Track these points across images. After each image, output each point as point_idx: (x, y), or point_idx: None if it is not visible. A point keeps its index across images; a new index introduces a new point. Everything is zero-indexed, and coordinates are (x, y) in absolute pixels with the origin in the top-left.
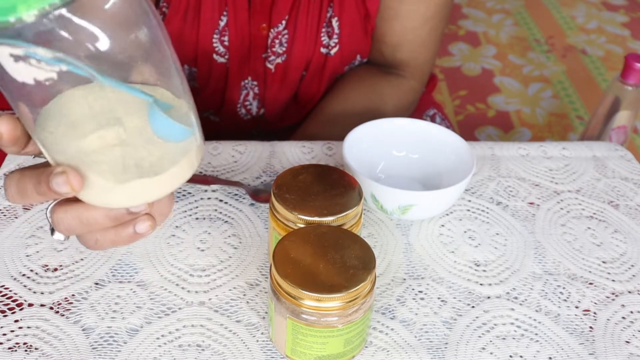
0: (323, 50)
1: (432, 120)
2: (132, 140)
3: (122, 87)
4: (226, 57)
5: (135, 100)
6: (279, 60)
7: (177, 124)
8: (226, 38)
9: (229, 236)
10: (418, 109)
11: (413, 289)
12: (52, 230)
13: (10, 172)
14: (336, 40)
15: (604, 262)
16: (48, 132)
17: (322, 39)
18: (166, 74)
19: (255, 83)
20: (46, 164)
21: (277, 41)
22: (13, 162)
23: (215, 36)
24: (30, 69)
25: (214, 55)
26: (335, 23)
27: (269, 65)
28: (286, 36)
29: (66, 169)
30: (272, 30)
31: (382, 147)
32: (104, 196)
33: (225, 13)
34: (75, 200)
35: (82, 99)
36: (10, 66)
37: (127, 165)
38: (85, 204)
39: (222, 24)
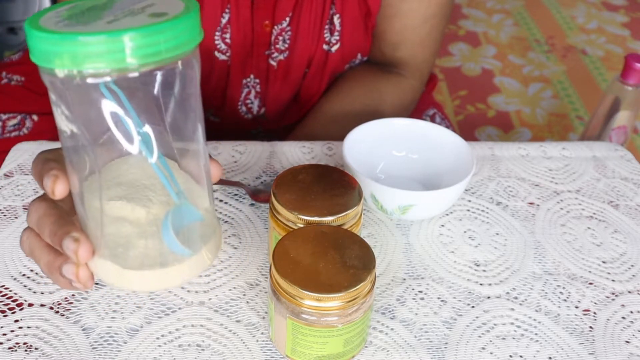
0: (325, 47)
1: (432, 120)
2: (143, 226)
3: (158, 173)
4: (228, 54)
5: (166, 193)
6: (281, 57)
7: (177, 242)
8: (228, 35)
9: (229, 236)
10: (418, 108)
11: (413, 289)
12: None
13: (38, 198)
14: (337, 38)
15: (604, 262)
16: (86, 184)
17: (325, 35)
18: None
19: (257, 81)
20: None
21: (280, 38)
22: (14, 162)
23: (217, 33)
24: (60, 117)
25: (216, 53)
26: (336, 20)
27: (272, 62)
28: (289, 33)
29: (80, 239)
30: (275, 27)
31: (382, 147)
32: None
33: (227, 10)
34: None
35: (126, 170)
36: (55, 110)
37: (121, 245)
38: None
39: (224, 21)
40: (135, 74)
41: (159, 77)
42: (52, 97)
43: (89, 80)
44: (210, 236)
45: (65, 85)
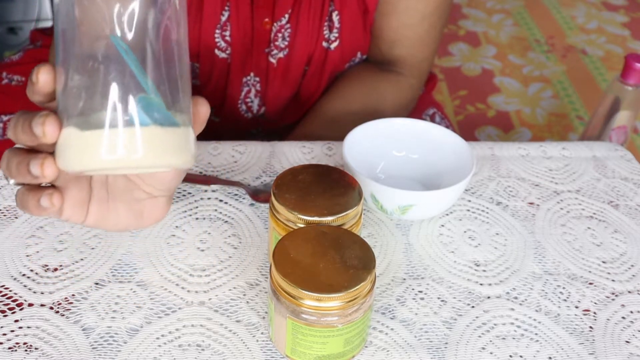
0: (324, 44)
1: (432, 119)
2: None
3: (132, 64)
4: (227, 52)
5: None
6: (281, 55)
7: (140, 110)
8: (228, 33)
9: (229, 236)
10: (418, 108)
11: (413, 289)
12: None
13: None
14: (336, 35)
15: (604, 262)
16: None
17: (324, 32)
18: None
19: (257, 79)
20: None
21: (279, 35)
22: None
23: (217, 31)
24: None
25: (216, 51)
26: (335, 17)
27: (272, 60)
28: (289, 30)
29: (50, 114)
30: (275, 24)
31: (382, 147)
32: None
33: (227, 8)
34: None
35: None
36: None
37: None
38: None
39: (223, 18)
40: None
41: None
42: None
43: None
44: (178, 129)
45: None
